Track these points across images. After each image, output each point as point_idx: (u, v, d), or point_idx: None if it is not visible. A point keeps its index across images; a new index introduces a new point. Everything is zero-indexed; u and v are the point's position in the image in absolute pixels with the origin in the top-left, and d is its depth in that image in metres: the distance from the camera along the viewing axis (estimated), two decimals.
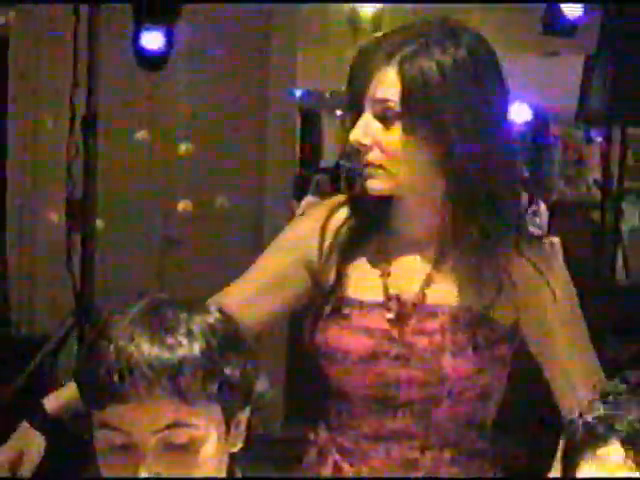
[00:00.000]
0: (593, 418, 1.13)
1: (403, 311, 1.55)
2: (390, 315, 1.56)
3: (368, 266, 1.60)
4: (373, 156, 1.52)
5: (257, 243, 4.76)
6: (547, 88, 6.33)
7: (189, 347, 1.10)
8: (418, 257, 1.58)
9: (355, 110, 1.53)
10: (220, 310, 1.18)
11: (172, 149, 4.69)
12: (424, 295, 1.57)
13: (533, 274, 1.54)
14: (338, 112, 10.39)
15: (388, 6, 6.02)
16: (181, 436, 1.11)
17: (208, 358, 1.11)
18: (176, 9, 4.50)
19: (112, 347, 1.09)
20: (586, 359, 1.58)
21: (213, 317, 1.16)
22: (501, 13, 5.00)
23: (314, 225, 1.62)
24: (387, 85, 1.48)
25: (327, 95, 9.96)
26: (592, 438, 1.14)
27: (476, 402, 1.56)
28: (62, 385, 4.81)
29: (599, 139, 6.18)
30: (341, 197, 1.67)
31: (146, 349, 1.08)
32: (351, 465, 1.60)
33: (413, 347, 1.54)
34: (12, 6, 4.55)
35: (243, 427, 1.19)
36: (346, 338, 1.57)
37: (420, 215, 1.58)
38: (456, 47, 1.47)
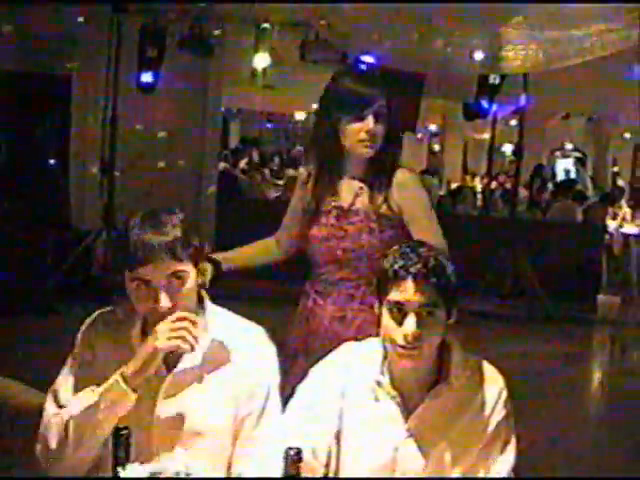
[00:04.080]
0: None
1: (340, 212, 2.64)
2: (334, 215, 2.66)
3: (328, 192, 2.67)
4: (374, 137, 2.57)
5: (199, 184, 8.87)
6: None
7: (174, 232, 1.97)
8: (351, 186, 2.67)
9: (360, 115, 2.55)
10: (182, 211, 2.03)
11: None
12: (352, 204, 2.63)
13: (402, 189, 2.61)
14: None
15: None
16: (178, 278, 1.99)
17: (184, 237, 1.98)
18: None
19: (135, 235, 1.95)
20: (430, 238, 2.40)
21: (182, 215, 2.01)
22: None
23: (303, 184, 2.78)
24: (383, 104, 2.55)
25: (234, 111, 14.45)
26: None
27: (380, 260, 2.31)
28: (98, 261, 9.31)
29: None
30: (309, 169, 2.74)
31: (154, 236, 1.95)
32: (321, 298, 2.66)
33: (347, 231, 2.61)
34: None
35: (205, 271, 2.17)
36: (315, 230, 2.67)
37: (360, 165, 2.65)
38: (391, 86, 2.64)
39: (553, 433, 5.11)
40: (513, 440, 2.11)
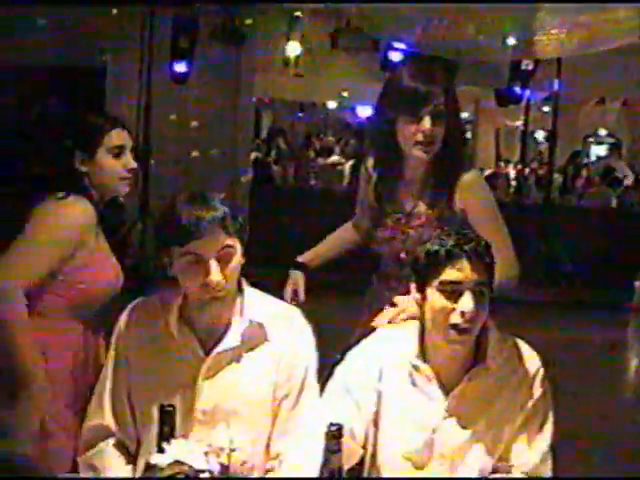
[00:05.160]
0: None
1: (402, 216, 2.56)
2: (396, 218, 2.57)
3: (389, 195, 2.59)
4: (431, 139, 2.44)
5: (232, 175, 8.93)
6: None
7: (223, 209, 2.03)
8: (412, 189, 2.57)
9: (416, 115, 2.42)
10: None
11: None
12: (413, 207, 2.54)
13: (466, 192, 2.48)
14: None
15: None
16: (227, 253, 2.05)
17: (232, 214, 2.05)
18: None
19: (186, 211, 2.00)
20: (497, 239, 2.28)
21: (222, 195, 2.09)
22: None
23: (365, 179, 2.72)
24: (442, 101, 2.43)
25: (266, 100, 14.48)
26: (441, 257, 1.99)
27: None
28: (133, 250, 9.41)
29: None
30: (368, 167, 2.68)
31: (205, 211, 2.01)
32: (385, 293, 2.58)
33: (408, 235, 2.55)
34: None
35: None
36: (378, 230, 2.62)
37: (420, 167, 2.53)
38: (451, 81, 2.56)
39: (589, 420, 5.12)
40: (550, 418, 2.12)
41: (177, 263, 2.05)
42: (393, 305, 2.41)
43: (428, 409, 2.08)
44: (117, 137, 2.44)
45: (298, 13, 8.35)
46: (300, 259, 2.77)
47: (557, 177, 11.83)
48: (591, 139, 18.22)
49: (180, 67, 8.57)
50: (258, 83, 9.60)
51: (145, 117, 8.37)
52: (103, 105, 8.74)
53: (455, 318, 1.98)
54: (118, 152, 2.43)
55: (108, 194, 2.47)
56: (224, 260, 2.04)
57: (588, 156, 17.11)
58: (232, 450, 1.72)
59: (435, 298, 2.01)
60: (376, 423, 2.11)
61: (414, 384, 2.09)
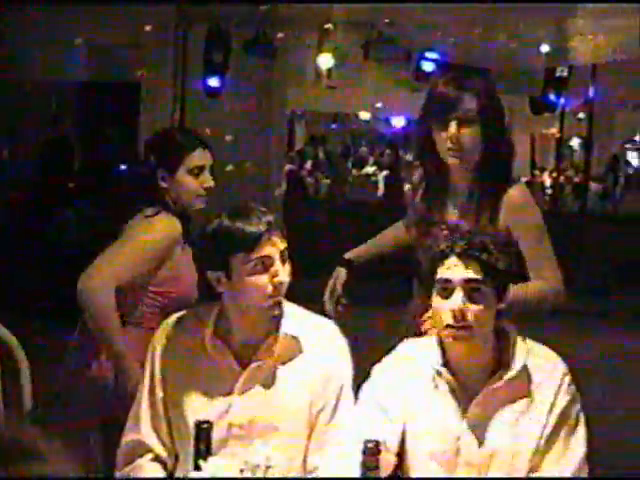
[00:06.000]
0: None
1: (446, 228, 2.25)
2: (441, 229, 2.29)
3: (435, 204, 2.54)
4: (459, 145, 2.39)
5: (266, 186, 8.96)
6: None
7: (271, 214, 2.07)
8: (457, 201, 2.51)
9: (445, 121, 2.39)
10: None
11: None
12: (458, 221, 2.39)
13: (511, 207, 2.42)
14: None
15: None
16: (285, 255, 2.08)
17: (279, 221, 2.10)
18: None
19: (241, 222, 2.02)
20: (542, 262, 2.32)
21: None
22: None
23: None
24: (472, 107, 2.38)
25: (299, 112, 14.55)
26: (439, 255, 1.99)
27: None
28: None
29: None
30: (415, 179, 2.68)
31: (262, 217, 2.02)
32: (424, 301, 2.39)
33: None
34: None
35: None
36: (423, 239, 2.48)
37: (463, 177, 2.47)
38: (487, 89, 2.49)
39: (629, 431, 5.01)
40: (582, 427, 2.07)
41: (239, 272, 2.05)
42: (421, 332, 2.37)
43: (451, 415, 2.06)
44: (198, 158, 2.58)
45: (329, 25, 8.35)
46: (347, 255, 2.74)
47: (593, 185, 11.73)
48: (628, 145, 18.05)
49: (213, 81, 8.60)
50: (291, 96, 9.62)
51: None
52: (137, 120, 8.84)
53: (446, 317, 1.99)
54: (198, 172, 2.56)
55: (184, 208, 2.59)
56: (283, 263, 2.08)
57: (626, 163, 16.94)
58: (268, 467, 1.71)
59: (434, 298, 2.03)
60: (404, 430, 2.09)
61: (437, 389, 2.07)
